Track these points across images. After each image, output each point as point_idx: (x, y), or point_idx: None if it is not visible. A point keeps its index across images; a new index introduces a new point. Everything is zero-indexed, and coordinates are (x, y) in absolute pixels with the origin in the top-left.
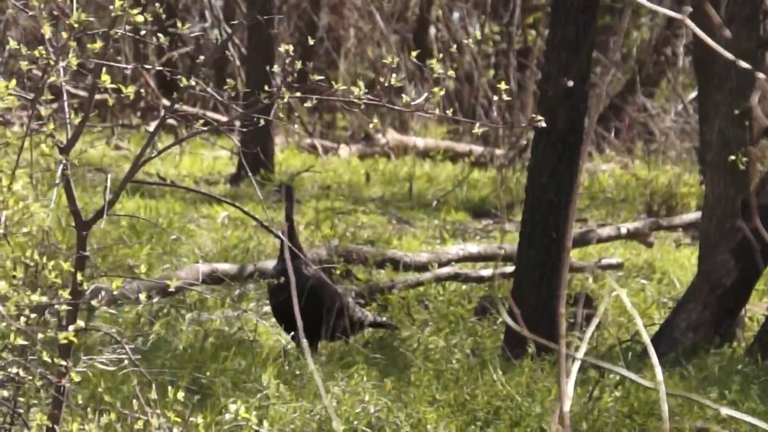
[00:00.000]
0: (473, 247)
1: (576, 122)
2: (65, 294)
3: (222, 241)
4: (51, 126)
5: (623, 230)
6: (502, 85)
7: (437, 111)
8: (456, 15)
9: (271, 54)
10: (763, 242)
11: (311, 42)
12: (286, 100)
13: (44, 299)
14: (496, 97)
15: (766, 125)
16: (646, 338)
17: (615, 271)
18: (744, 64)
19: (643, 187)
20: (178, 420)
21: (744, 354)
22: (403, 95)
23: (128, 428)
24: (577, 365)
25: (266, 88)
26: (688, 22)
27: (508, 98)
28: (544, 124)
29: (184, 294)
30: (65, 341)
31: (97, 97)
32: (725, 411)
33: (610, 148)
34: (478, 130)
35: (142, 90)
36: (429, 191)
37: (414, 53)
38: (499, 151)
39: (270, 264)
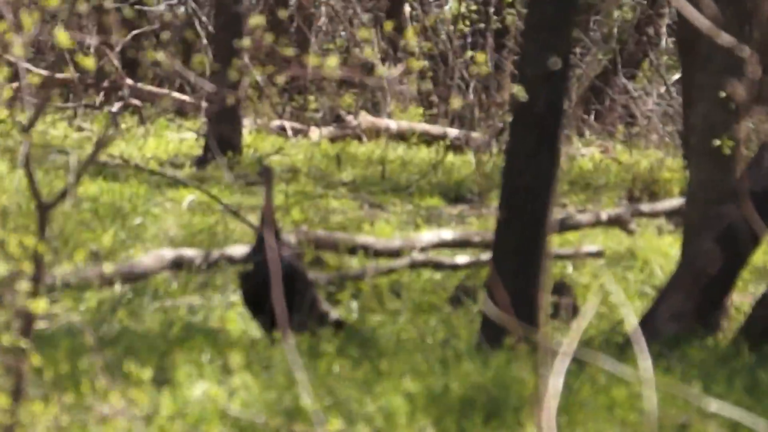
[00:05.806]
0: (448, 234)
1: (555, 104)
2: (26, 267)
3: (188, 226)
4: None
5: (603, 216)
6: (481, 57)
7: (416, 84)
8: None
9: (239, 32)
10: (754, 230)
11: (286, 14)
12: (258, 75)
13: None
14: (475, 70)
15: (747, 105)
16: (637, 331)
17: (595, 259)
18: (728, 37)
19: (625, 172)
20: (142, 398)
21: (729, 345)
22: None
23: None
24: (566, 363)
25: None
26: None
27: (489, 71)
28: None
29: (148, 280)
30: (30, 311)
31: (60, 76)
32: (715, 406)
33: (591, 132)
34: (458, 105)
35: (109, 68)
36: (402, 175)
37: (389, 24)
38: (475, 134)
39: (237, 250)
